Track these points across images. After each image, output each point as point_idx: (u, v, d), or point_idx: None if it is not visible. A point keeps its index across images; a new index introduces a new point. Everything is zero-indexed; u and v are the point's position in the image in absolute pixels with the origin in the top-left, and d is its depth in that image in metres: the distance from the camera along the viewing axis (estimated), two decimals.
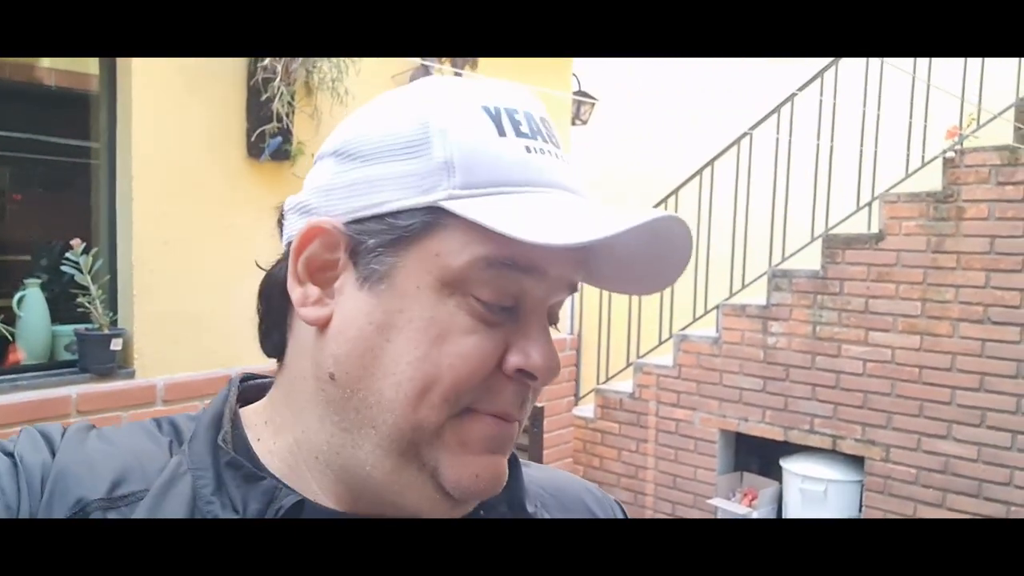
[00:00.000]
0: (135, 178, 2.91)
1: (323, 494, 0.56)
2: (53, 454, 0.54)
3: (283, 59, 2.98)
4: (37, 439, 0.55)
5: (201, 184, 3.04)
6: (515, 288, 0.52)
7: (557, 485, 0.69)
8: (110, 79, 2.93)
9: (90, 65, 2.99)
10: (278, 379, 0.60)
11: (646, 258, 0.55)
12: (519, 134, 0.54)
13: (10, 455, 0.53)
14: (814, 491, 4.14)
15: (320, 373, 0.54)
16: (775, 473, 4.45)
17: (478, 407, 0.53)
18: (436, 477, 0.53)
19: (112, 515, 0.52)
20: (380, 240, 0.52)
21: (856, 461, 4.12)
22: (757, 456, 4.65)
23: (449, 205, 0.51)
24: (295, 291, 0.55)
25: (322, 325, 0.54)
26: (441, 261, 0.51)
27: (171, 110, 2.97)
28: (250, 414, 0.60)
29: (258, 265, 0.62)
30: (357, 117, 0.57)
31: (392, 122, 0.54)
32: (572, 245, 0.48)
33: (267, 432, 0.58)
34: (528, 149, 0.53)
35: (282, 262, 0.58)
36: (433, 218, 0.51)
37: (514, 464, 0.62)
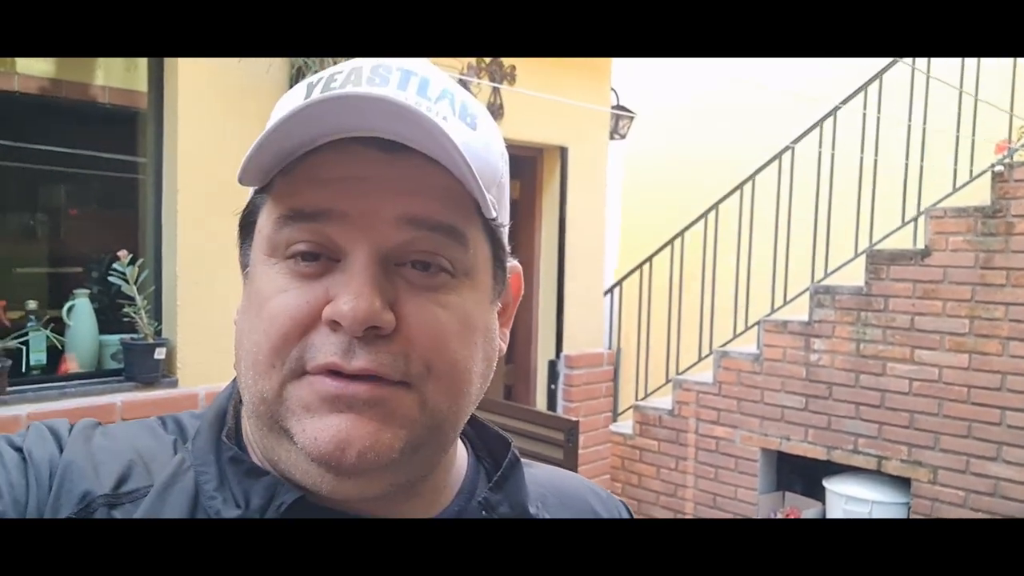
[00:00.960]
0: (180, 191, 2.99)
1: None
2: (61, 449, 0.55)
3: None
4: (45, 434, 0.56)
5: (244, 197, 3.09)
6: (320, 238, 0.52)
7: (559, 485, 0.69)
8: (157, 96, 3.03)
9: (140, 83, 3.09)
10: None
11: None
12: (326, 89, 0.53)
13: (19, 449, 0.54)
14: (858, 513, 4.03)
15: None
16: (818, 493, 4.34)
17: (309, 366, 0.51)
18: (299, 446, 0.52)
19: (117, 512, 0.52)
20: (242, 238, 0.59)
21: (902, 483, 4.00)
22: (800, 476, 4.55)
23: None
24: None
25: None
26: (262, 235, 0.55)
27: (215, 125, 3.05)
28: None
29: None
30: None
31: None
32: (256, 149, 0.50)
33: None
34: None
35: None
36: (258, 201, 0.56)
37: (516, 464, 0.63)
